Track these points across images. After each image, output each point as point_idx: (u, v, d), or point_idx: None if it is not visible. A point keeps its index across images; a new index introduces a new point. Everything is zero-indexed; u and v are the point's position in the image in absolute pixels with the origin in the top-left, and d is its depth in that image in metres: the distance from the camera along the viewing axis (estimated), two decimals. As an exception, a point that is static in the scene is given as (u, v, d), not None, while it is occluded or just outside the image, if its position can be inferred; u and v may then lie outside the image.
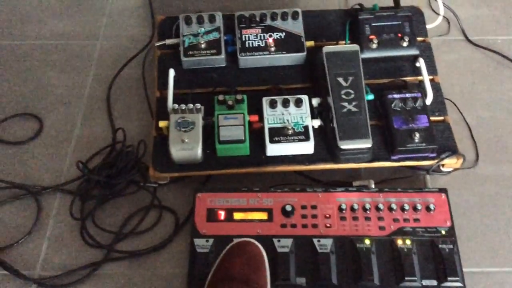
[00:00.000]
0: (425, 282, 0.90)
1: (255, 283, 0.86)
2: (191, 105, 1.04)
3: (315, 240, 0.94)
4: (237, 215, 0.97)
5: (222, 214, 0.97)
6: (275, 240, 0.94)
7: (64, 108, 1.18)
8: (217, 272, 0.88)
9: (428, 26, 1.23)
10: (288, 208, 0.97)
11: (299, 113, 1.05)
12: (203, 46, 1.12)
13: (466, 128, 1.14)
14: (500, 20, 1.33)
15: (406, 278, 0.89)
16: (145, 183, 1.06)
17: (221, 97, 1.06)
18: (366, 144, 1.00)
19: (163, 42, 1.16)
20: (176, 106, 1.04)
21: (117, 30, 1.32)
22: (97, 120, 1.16)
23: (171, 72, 1.10)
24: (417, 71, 1.13)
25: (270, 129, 1.03)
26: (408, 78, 1.13)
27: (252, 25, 1.14)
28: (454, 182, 1.06)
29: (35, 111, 1.18)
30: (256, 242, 0.91)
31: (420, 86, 1.11)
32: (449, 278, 0.89)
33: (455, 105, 1.17)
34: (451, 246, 0.92)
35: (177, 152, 1.00)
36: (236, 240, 0.91)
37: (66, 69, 1.25)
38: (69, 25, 1.33)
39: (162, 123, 1.03)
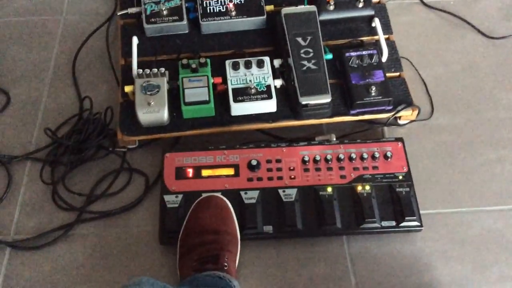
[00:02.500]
0: (385, 223, 0.95)
1: (226, 232, 0.90)
2: (155, 70, 1.06)
3: (280, 191, 0.98)
4: (205, 172, 1.01)
5: (190, 172, 1.01)
6: (242, 192, 0.98)
7: (30, 81, 1.20)
8: (188, 227, 0.92)
9: (383, -11, 1.28)
10: (254, 162, 1.01)
11: (261, 74, 1.08)
12: (165, 13, 1.14)
13: (422, 84, 1.20)
14: (452, -17, 1.40)
15: (366, 220, 0.94)
16: (114, 148, 1.08)
17: (184, 61, 1.08)
18: (325, 99, 1.05)
19: (125, 11, 1.18)
20: (140, 71, 1.06)
21: (80, 4, 1.33)
22: (63, 91, 1.18)
23: (135, 40, 1.12)
24: (373, 31, 1.18)
25: (233, 89, 1.06)
26: (364, 38, 1.18)
27: (212, -9, 1.17)
28: (411, 133, 1.11)
29: (1, 85, 1.18)
30: (221, 195, 0.94)
31: (376, 44, 1.15)
32: (406, 218, 0.95)
33: (410, 63, 1.22)
34: (407, 189, 0.98)
35: (144, 115, 1.03)
36: (201, 196, 0.94)
37: (31, 44, 1.26)
38: (32, 2, 1.34)
39: (127, 88, 1.05)
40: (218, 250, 0.85)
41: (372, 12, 1.18)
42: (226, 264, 0.84)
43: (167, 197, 0.97)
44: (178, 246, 0.90)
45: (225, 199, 0.94)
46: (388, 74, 1.11)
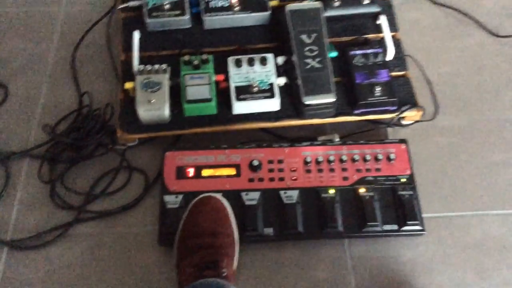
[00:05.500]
0: (387, 227, 0.94)
1: (223, 234, 0.89)
2: (156, 66, 1.04)
3: (281, 192, 0.97)
4: (206, 172, 0.99)
5: (190, 171, 0.99)
6: (243, 194, 0.96)
7: (29, 75, 1.17)
8: (184, 229, 0.90)
9: (389, -15, 1.25)
10: (255, 163, 0.99)
11: (264, 72, 1.06)
12: (167, 7, 1.11)
13: (426, 83, 1.18)
14: (460, -22, 1.37)
15: (368, 224, 0.93)
16: (114, 145, 1.06)
17: (186, 58, 1.06)
18: (329, 98, 1.03)
19: (126, 5, 1.15)
20: (141, 67, 1.04)
21: (80, -5, 1.31)
22: (63, 85, 1.16)
23: (136, 34, 1.10)
24: (379, 29, 1.15)
25: (236, 87, 1.04)
26: (370, 36, 1.15)
27: (215, -15, 1.15)
28: (415, 134, 1.10)
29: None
30: (218, 196, 0.93)
31: (382, 42, 1.13)
32: (408, 222, 0.94)
33: (416, 61, 1.20)
34: (410, 193, 0.96)
35: (145, 112, 1.01)
36: (197, 197, 0.93)
37: (29, 36, 1.24)
38: (30, -8, 1.31)
39: (128, 85, 1.03)
40: (216, 255, 0.84)
41: (378, 9, 1.15)
42: (224, 270, 0.83)
43: (167, 198, 0.96)
44: (175, 248, 0.89)
45: (221, 199, 0.93)
46: (392, 73, 1.09)
